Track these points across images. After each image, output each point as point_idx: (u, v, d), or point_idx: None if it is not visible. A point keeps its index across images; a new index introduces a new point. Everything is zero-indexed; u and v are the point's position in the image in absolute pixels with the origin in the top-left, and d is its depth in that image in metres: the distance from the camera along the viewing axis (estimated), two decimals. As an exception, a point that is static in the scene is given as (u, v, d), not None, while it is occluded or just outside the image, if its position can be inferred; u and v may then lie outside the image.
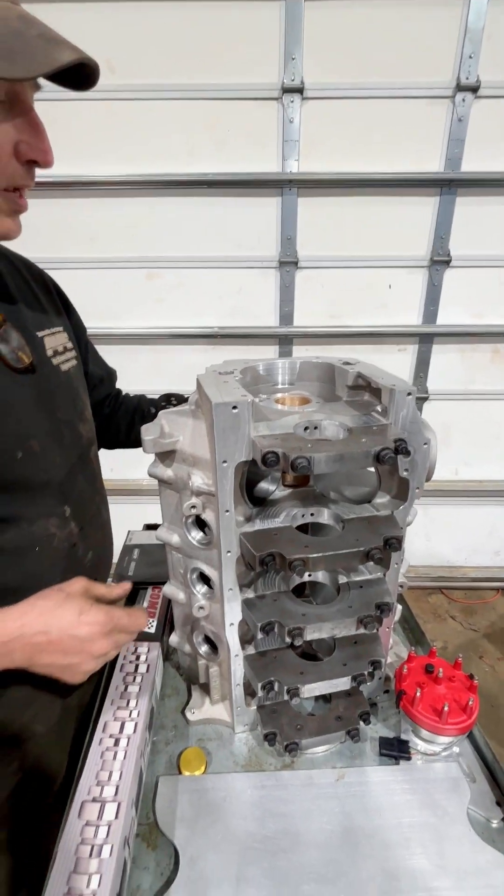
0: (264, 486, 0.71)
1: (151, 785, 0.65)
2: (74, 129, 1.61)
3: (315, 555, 0.55)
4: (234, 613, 0.65)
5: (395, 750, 0.70)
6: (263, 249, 1.75)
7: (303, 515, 0.66)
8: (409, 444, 0.58)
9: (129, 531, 1.19)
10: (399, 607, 0.87)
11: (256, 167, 1.64)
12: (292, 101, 1.56)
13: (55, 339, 0.70)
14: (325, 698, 0.76)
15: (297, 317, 1.85)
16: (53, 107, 1.59)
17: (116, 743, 0.62)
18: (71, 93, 1.53)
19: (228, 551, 0.60)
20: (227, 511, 0.58)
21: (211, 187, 1.65)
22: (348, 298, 1.82)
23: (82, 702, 0.77)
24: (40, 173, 1.64)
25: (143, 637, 0.82)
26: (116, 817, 0.53)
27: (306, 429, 0.60)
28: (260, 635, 0.60)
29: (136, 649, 0.79)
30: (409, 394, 0.57)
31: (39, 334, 0.67)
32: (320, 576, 0.70)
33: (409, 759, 0.69)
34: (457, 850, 0.58)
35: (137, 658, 0.77)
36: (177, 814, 0.62)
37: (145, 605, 0.91)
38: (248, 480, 0.73)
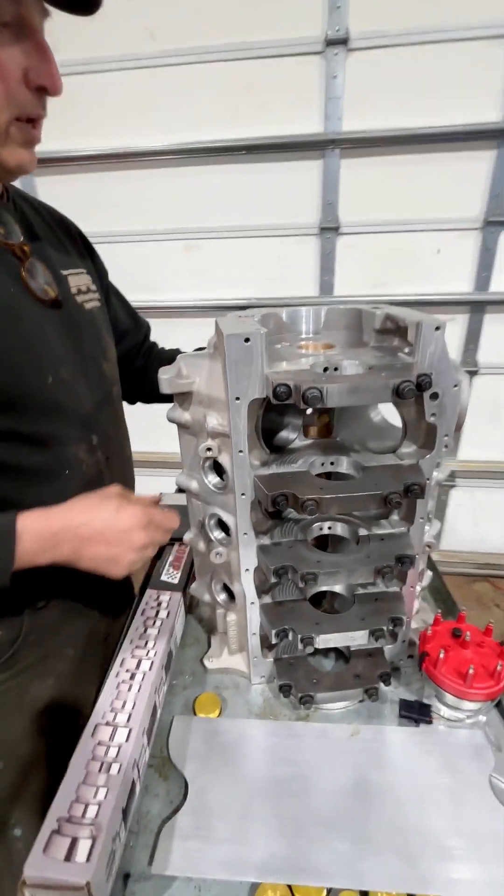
0: (284, 434, 0.69)
1: (167, 723, 0.67)
2: (117, 101, 1.62)
3: (328, 496, 0.53)
4: (249, 559, 0.64)
5: (415, 713, 0.67)
6: (303, 216, 1.70)
7: (322, 464, 0.64)
8: (436, 384, 0.54)
9: (161, 493, 1.22)
10: (429, 573, 0.83)
11: (298, 129, 1.58)
12: (336, 55, 1.48)
13: (78, 279, 0.72)
14: (346, 659, 0.74)
15: (338, 286, 1.78)
16: (100, 79, 1.62)
17: (132, 677, 0.64)
18: (114, 63, 1.54)
19: (243, 493, 0.60)
20: (241, 451, 0.57)
21: (250, 153, 1.62)
22: (393, 265, 1.73)
23: (109, 637, 0.80)
24: (83, 148, 1.67)
25: (166, 587, 0.84)
26: (127, 741, 0.55)
27: (326, 369, 0.57)
28: (273, 579, 0.59)
29: (158, 597, 0.81)
30: (437, 328, 0.53)
31: (64, 272, 0.69)
32: (339, 528, 0.68)
33: (429, 723, 0.66)
34: (474, 814, 0.55)
35: (159, 605, 0.79)
36: (188, 750, 0.63)
37: (171, 559, 0.93)
38: (270, 430, 0.71)
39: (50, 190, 1.79)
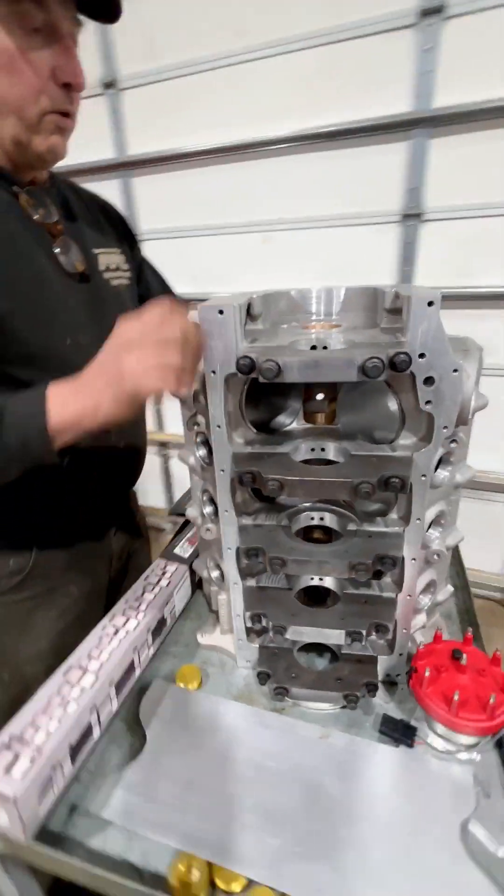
0: (280, 419, 0.67)
1: (148, 684, 0.70)
2: (206, 101, 1.69)
3: (293, 477, 0.51)
4: (231, 538, 0.64)
5: (397, 732, 0.61)
6: (384, 203, 1.60)
7: (312, 449, 0.61)
8: (430, 367, 0.48)
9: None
10: (449, 588, 0.74)
11: (383, 111, 1.49)
12: (430, 25, 1.36)
13: (109, 258, 0.78)
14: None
15: (419, 276, 1.65)
16: (188, 81, 1.71)
17: (116, 633, 0.68)
18: (203, 65, 1.60)
19: (222, 469, 0.60)
20: (219, 426, 0.57)
21: (330, 140, 1.57)
22: (483, 253, 1.55)
23: (117, 595, 0.87)
24: (167, 149, 1.76)
25: (175, 559, 0.87)
26: (91, 687, 0.59)
27: (314, 347, 0.54)
28: (244, 560, 0.59)
29: (165, 566, 0.84)
30: (430, 303, 0.47)
31: (95, 251, 0.75)
32: (328, 519, 0.64)
33: (411, 746, 0.60)
34: (430, 852, 0.49)
35: (163, 574, 0.82)
36: (157, 712, 0.65)
37: (189, 534, 0.96)
38: (269, 415, 0.70)
39: (144, 190, 1.94)
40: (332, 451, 0.59)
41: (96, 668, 0.62)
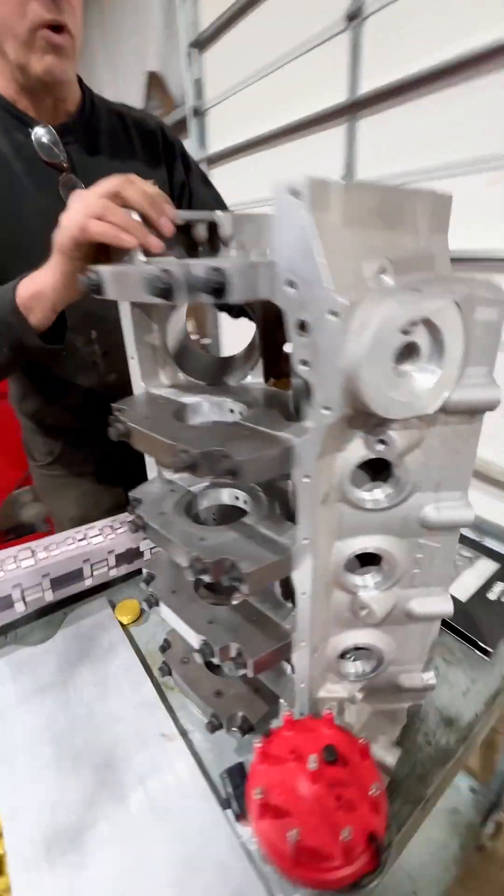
0: (230, 373, 0.55)
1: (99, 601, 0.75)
2: (451, 10, 1.35)
3: (136, 426, 0.43)
4: (153, 487, 0.59)
5: (233, 792, 0.47)
6: None
7: (231, 410, 0.49)
8: (303, 305, 0.32)
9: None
10: (429, 677, 0.49)
11: None
12: None
13: None
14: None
15: None
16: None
17: (82, 539, 0.74)
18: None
19: (141, 410, 0.55)
20: (133, 358, 0.52)
21: None
22: None
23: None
24: (398, 78, 1.51)
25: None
26: (24, 569, 0.67)
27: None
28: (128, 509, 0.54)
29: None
30: (293, 192, 0.29)
31: None
32: (246, 504, 0.51)
33: (236, 818, 0.46)
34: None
35: (162, 513, 0.83)
36: (78, 622, 0.70)
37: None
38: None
39: (367, 133, 1.75)
40: (240, 415, 0.46)
41: (40, 557, 0.70)
